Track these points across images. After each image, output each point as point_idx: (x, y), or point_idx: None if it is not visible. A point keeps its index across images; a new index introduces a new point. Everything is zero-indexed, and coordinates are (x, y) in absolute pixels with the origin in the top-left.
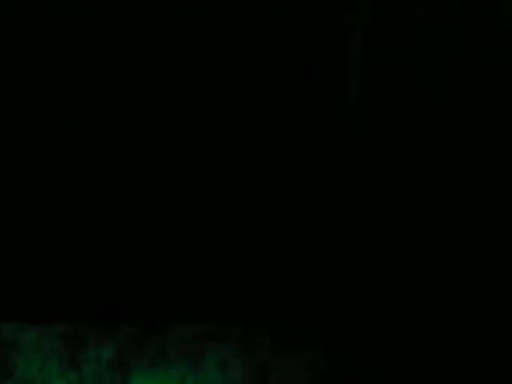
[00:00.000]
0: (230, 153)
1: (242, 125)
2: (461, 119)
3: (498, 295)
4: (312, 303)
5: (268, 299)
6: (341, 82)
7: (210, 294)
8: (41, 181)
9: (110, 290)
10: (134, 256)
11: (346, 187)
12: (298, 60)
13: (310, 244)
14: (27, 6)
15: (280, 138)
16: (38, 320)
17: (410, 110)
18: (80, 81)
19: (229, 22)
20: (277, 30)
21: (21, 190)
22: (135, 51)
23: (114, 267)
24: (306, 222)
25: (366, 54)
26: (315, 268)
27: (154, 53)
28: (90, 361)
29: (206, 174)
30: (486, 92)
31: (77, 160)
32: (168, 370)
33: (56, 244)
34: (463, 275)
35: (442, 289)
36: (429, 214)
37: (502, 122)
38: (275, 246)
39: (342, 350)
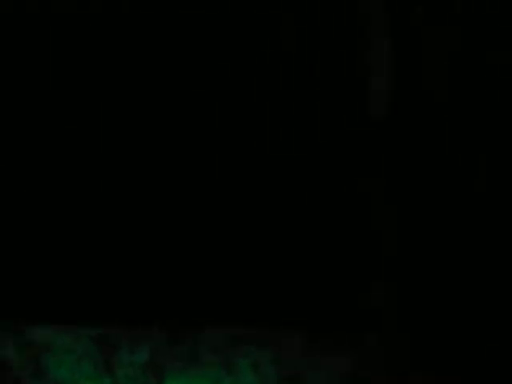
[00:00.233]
0: (254, 153)
1: (271, 125)
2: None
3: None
4: (344, 306)
5: (301, 302)
6: (366, 80)
7: (243, 297)
8: (68, 186)
9: (144, 294)
10: (169, 260)
11: (364, 187)
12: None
13: (343, 247)
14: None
15: (305, 138)
16: (72, 323)
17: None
18: (81, 81)
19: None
20: (309, 30)
21: (47, 195)
22: (136, 51)
23: (148, 271)
24: (337, 228)
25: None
26: (346, 272)
27: (155, 52)
28: (123, 364)
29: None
30: (486, 92)
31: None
32: (202, 371)
33: (89, 248)
34: (461, 270)
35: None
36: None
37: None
38: (305, 249)
39: (373, 353)
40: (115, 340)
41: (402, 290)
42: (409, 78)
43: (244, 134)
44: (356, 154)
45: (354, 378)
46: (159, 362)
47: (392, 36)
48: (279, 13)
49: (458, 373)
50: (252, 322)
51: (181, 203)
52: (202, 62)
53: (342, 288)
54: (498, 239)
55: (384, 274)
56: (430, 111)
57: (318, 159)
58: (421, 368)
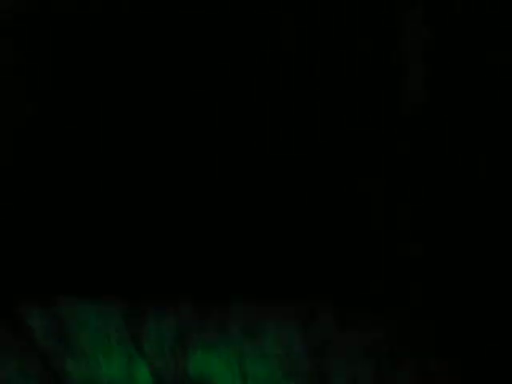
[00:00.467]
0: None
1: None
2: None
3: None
4: (374, 284)
5: (331, 278)
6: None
7: (271, 271)
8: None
9: (172, 266)
10: (196, 232)
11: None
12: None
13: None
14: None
15: (335, 136)
16: (99, 294)
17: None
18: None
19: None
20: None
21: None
22: (134, 50)
23: (175, 243)
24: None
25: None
26: (375, 249)
27: (155, 53)
28: (150, 336)
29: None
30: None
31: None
32: (229, 345)
33: (116, 218)
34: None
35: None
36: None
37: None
38: (340, 220)
39: (403, 330)
40: (142, 313)
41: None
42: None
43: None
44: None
45: (379, 353)
46: (186, 335)
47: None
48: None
49: (480, 361)
50: (279, 295)
51: (209, 178)
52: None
53: (367, 261)
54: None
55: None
56: (465, 105)
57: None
58: (445, 354)
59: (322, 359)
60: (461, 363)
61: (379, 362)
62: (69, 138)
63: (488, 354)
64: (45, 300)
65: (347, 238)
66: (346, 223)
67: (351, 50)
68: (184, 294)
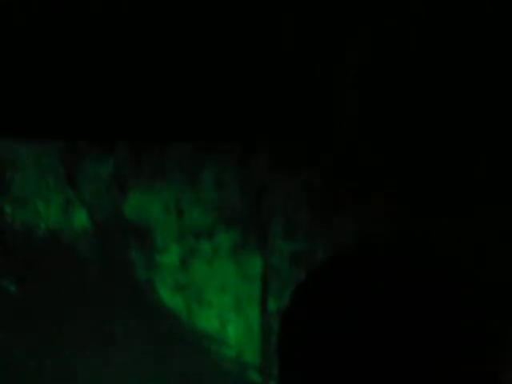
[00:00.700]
0: None
1: None
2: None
3: None
4: (312, 123)
5: (268, 118)
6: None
7: (208, 112)
8: None
9: (109, 107)
10: (135, 75)
11: None
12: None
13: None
14: None
15: None
16: (36, 136)
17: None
18: None
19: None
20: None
21: None
22: None
23: (114, 85)
24: None
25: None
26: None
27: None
28: (87, 177)
29: None
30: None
31: None
32: (166, 186)
33: (55, 56)
34: None
35: None
36: None
37: None
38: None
39: (342, 171)
40: (79, 153)
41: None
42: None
43: None
44: None
45: (318, 192)
46: (123, 175)
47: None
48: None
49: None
50: (217, 136)
51: None
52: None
53: (307, 101)
54: None
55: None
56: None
57: None
58: (387, 184)
59: (259, 202)
60: (400, 185)
61: (317, 203)
62: None
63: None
64: None
65: (277, 71)
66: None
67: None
68: (120, 135)
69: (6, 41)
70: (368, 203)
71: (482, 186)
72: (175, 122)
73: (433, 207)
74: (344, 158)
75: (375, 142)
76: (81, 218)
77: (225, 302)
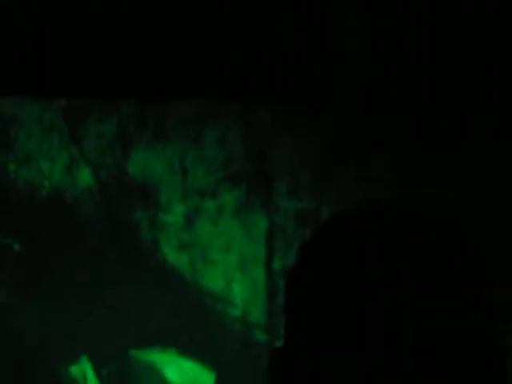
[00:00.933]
0: None
1: None
2: None
3: None
4: (313, 81)
5: (271, 76)
6: None
7: (211, 71)
8: None
9: (113, 65)
10: (137, 30)
11: None
12: None
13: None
14: None
15: None
16: (39, 94)
17: None
18: None
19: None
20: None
21: None
22: None
23: (116, 42)
24: None
25: None
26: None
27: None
28: (90, 135)
29: None
30: None
31: None
32: (168, 144)
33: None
34: None
35: None
36: None
37: None
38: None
39: (345, 129)
40: (83, 111)
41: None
42: None
43: None
44: None
45: (321, 153)
46: (126, 134)
47: None
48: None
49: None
50: (221, 95)
51: None
52: None
53: (313, 61)
54: None
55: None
56: None
57: None
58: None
59: (262, 161)
60: (401, 143)
61: (321, 161)
62: None
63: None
64: None
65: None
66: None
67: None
68: (124, 93)
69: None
70: (370, 161)
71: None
72: (178, 81)
73: (433, 166)
74: (346, 116)
75: (376, 98)
76: (85, 177)
77: (230, 261)
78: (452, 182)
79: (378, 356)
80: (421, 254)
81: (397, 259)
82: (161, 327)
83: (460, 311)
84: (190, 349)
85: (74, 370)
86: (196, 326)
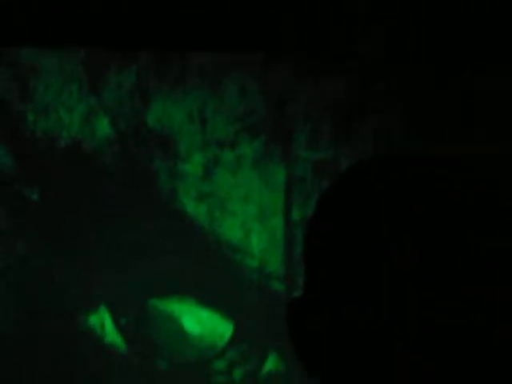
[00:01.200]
0: None
1: None
2: None
3: None
4: (337, 31)
5: (293, 25)
6: None
7: (232, 20)
8: None
9: (132, 15)
10: None
11: None
12: None
13: None
14: None
15: None
16: (59, 44)
17: None
18: None
19: None
20: None
21: None
22: None
23: None
24: None
25: None
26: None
27: None
28: (110, 86)
29: None
30: None
31: None
32: (188, 95)
33: None
34: None
35: None
36: None
37: None
38: None
39: (366, 80)
40: (102, 62)
41: None
42: None
43: None
44: None
45: (341, 106)
46: (146, 84)
47: None
48: None
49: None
50: (241, 44)
51: None
52: None
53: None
54: None
55: None
56: None
57: None
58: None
59: (282, 111)
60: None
61: (341, 111)
62: None
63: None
64: (4, 51)
65: None
66: None
67: None
68: (143, 43)
69: None
70: (389, 112)
71: None
72: (198, 31)
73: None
74: (369, 67)
75: (400, 52)
76: (103, 127)
77: (248, 212)
78: (468, 135)
79: (388, 316)
80: (447, 204)
81: (418, 212)
82: (179, 277)
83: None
84: (207, 298)
85: (93, 319)
86: (214, 276)
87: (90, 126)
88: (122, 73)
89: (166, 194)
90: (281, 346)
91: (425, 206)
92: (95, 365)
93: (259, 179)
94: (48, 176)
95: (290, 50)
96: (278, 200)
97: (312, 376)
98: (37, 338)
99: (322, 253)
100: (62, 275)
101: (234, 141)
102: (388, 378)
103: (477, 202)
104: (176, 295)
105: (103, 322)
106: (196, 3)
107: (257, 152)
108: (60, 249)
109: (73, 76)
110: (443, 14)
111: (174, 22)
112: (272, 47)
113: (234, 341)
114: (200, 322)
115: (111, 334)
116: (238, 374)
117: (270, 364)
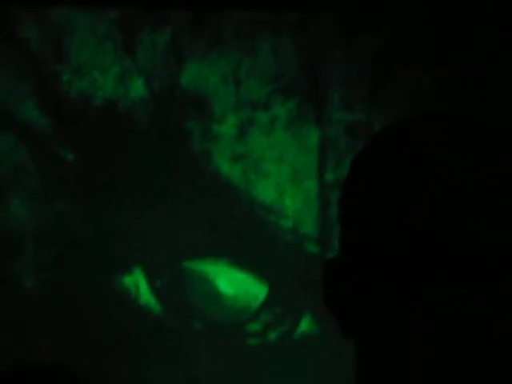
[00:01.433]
0: None
1: None
2: None
3: None
4: None
5: None
6: None
7: None
8: None
9: None
10: None
11: None
12: None
13: None
14: None
15: None
16: (93, 4)
17: None
18: None
19: None
20: None
21: None
22: None
23: None
24: None
25: None
26: None
27: None
28: (144, 46)
29: None
30: None
31: None
32: (223, 55)
33: None
34: None
35: None
36: None
37: None
38: None
39: (403, 41)
40: (136, 21)
41: None
42: None
43: None
44: None
45: (377, 62)
46: (180, 44)
47: None
48: None
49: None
50: (275, 4)
51: None
52: None
53: None
54: None
55: None
56: None
57: None
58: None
59: (316, 72)
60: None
61: (376, 72)
62: None
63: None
64: (37, 10)
65: None
66: None
67: None
68: (178, 2)
69: None
70: (426, 74)
71: None
72: None
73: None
74: (405, 28)
75: (436, 15)
76: (138, 88)
77: (282, 173)
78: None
79: (416, 288)
80: (474, 169)
81: (453, 175)
82: (213, 238)
83: None
84: (242, 260)
85: (127, 280)
86: (248, 238)
87: (124, 87)
88: (157, 33)
89: (199, 155)
90: (315, 308)
91: (449, 169)
92: (130, 327)
93: (293, 140)
94: (83, 136)
95: (325, 10)
96: (311, 161)
97: (347, 337)
98: (71, 299)
99: (353, 214)
100: (97, 236)
101: (268, 102)
102: (405, 349)
103: (506, 169)
104: (210, 257)
105: (138, 284)
106: None
107: (290, 113)
108: (95, 210)
109: (107, 36)
110: None
111: None
112: (307, 7)
113: (268, 302)
114: (234, 283)
115: (146, 295)
116: (272, 335)
117: (305, 326)
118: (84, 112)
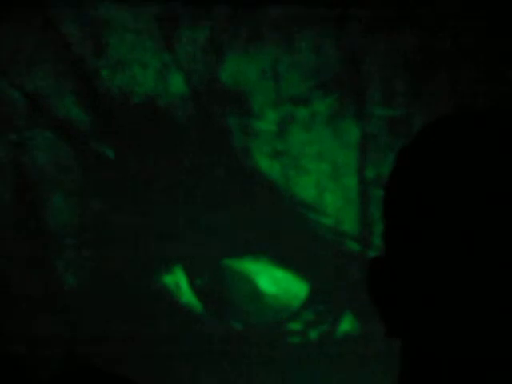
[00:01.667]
0: None
1: None
2: None
3: None
4: None
5: None
6: None
7: None
8: None
9: None
10: None
11: None
12: None
13: None
14: None
15: None
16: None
17: None
18: None
19: None
20: None
21: None
22: None
23: None
24: None
25: None
26: None
27: None
28: (184, 41)
29: None
30: None
31: None
32: (262, 50)
33: None
34: None
35: None
36: None
37: None
38: None
39: (440, 37)
40: (176, 16)
41: None
42: None
43: None
44: None
45: (415, 61)
46: (220, 39)
47: None
48: None
49: None
50: (313, 2)
51: None
52: None
53: None
54: None
55: None
56: None
57: None
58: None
59: (356, 68)
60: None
61: (416, 68)
62: None
63: None
64: (79, 4)
65: None
66: None
67: None
68: (217, 0)
69: None
70: (462, 70)
71: None
72: None
73: None
74: (445, 24)
75: (476, 8)
76: (177, 83)
77: (322, 170)
78: None
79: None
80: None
81: (498, 169)
82: (253, 236)
83: None
84: (282, 258)
85: (168, 279)
86: (288, 235)
87: (163, 82)
88: (196, 28)
89: (239, 151)
90: (356, 307)
91: (499, 167)
92: (170, 325)
93: (333, 136)
94: (122, 132)
95: (366, 6)
96: (351, 158)
97: (391, 337)
98: (112, 297)
99: (397, 209)
100: (137, 234)
101: (308, 98)
102: (452, 349)
103: None
104: (250, 255)
105: (178, 283)
106: None
107: (330, 109)
108: (135, 206)
109: (147, 31)
110: None
111: None
112: (348, 2)
113: (309, 301)
114: (275, 282)
115: (187, 294)
116: (313, 334)
117: (346, 325)
118: (124, 108)
